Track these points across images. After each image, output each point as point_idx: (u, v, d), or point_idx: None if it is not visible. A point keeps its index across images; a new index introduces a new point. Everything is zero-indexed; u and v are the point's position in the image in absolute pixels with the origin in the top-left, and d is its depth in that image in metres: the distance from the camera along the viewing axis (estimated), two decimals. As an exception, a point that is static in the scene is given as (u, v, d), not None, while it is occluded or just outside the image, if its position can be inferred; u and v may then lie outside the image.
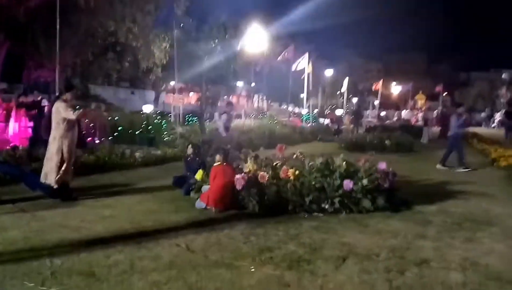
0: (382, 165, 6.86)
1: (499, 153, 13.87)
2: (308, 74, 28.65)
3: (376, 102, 46.45)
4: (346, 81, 37.42)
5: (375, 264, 4.41)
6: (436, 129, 25.05)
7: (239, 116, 34.97)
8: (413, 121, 31.78)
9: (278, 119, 27.76)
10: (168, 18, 17.59)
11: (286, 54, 26.77)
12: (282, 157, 7.55)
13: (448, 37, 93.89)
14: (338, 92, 42.07)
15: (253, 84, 49.82)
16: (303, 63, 26.95)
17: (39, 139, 9.14)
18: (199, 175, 7.30)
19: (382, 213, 6.41)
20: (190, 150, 8.21)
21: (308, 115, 32.58)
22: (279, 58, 28.59)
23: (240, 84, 46.40)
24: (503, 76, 66.18)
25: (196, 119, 23.79)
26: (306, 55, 26.84)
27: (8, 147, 11.25)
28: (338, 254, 4.68)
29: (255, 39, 25.31)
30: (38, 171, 7.16)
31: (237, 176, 6.65)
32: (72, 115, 6.82)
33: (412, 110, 43.06)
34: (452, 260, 4.58)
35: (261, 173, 6.72)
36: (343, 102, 43.06)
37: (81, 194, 7.21)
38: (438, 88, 48.20)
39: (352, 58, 56.55)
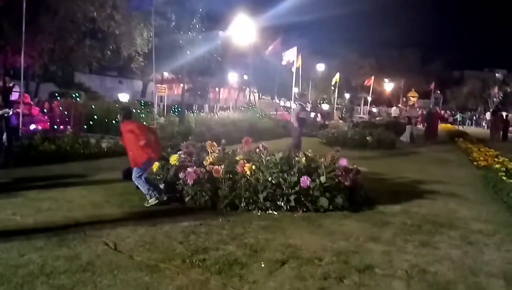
0: (343, 162, 6.46)
1: (481, 152, 13.55)
2: (298, 68, 28.14)
3: (369, 98, 46.00)
4: (337, 76, 36.95)
5: (314, 270, 4.03)
6: (421, 127, 24.54)
7: (226, 108, 34.63)
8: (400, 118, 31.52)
9: (265, 113, 27.27)
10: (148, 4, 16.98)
11: (273, 47, 26.26)
12: (247, 151, 7.13)
13: (443, 34, 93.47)
14: (332, 87, 41.53)
15: (245, 77, 49.28)
16: (291, 56, 26.40)
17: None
18: None
19: (340, 212, 6.03)
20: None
21: (298, 109, 32.06)
22: (267, 51, 28.10)
23: (233, 76, 45.79)
24: (497, 75, 65.99)
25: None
26: (295, 48, 26.30)
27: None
28: (278, 257, 4.30)
29: (242, 30, 24.80)
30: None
31: (189, 169, 6.27)
32: None
33: (400, 107, 42.78)
34: (399, 267, 4.22)
35: (215, 167, 6.33)
36: (335, 97, 42.56)
37: (28, 185, 6.79)
38: (431, 86, 47.83)
39: (346, 53, 55.99)
